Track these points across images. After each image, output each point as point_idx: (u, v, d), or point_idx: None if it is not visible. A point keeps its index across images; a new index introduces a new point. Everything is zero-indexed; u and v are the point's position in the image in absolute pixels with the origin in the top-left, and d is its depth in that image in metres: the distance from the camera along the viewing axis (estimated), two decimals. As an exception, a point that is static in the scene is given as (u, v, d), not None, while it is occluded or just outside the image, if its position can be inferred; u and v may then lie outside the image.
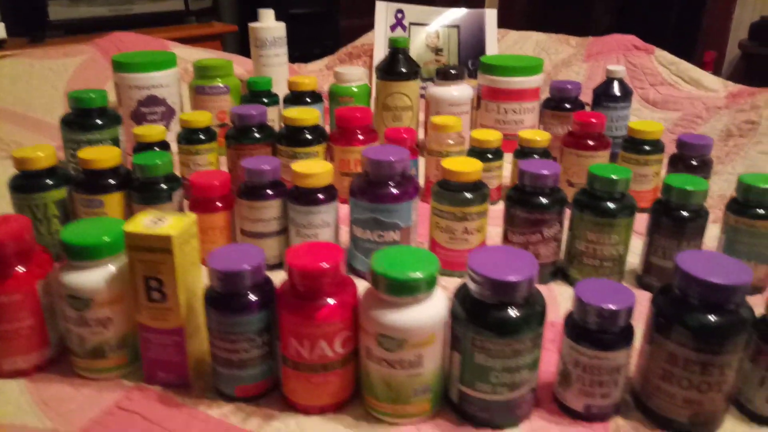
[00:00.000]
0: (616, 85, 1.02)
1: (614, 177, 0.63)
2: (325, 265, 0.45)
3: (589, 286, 0.48)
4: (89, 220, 0.53)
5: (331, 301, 0.46)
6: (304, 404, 0.49)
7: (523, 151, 0.86)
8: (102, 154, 0.68)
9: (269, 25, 1.16)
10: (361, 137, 0.86)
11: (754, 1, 2.39)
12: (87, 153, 0.69)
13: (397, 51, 1.03)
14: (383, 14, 1.47)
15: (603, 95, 1.01)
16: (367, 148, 0.67)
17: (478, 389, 0.47)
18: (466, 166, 0.67)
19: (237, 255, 0.48)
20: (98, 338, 0.51)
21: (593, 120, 0.84)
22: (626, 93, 1.01)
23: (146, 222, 0.49)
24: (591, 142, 0.85)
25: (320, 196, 0.67)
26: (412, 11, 1.48)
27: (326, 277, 0.46)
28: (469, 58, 1.43)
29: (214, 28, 1.85)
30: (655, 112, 1.15)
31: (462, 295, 0.47)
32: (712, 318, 0.44)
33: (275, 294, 0.48)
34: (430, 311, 0.46)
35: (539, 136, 0.84)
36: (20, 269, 0.51)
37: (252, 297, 0.48)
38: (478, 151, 0.86)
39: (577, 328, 0.47)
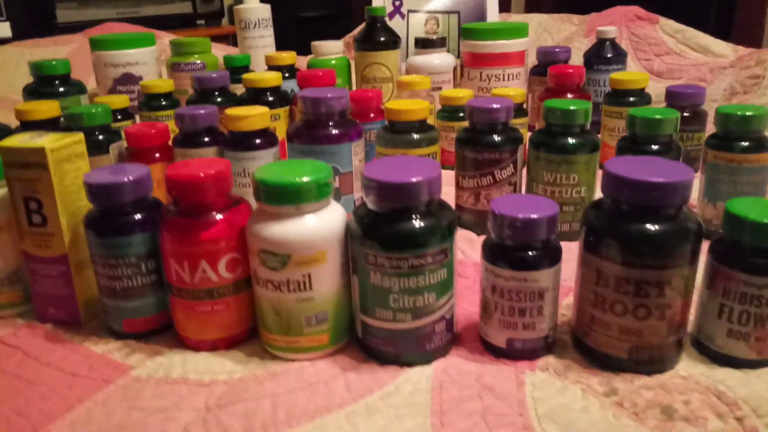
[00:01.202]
0: (607, 46, 0.95)
1: (572, 108, 0.57)
2: (202, 174, 0.41)
3: (507, 200, 0.42)
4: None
5: (213, 217, 0.42)
6: (194, 339, 0.44)
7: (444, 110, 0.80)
8: (40, 106, 0.66)
9: (253, 5, 1.14)
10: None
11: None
12: (25, 106, 0.66)
13: (375, 20, 1.00)
14: (381, 2, 1.44)
15: (594, 57, 0.95)
16: (304, 89, 0.63)
17: (378, 316, 0.41)
18: (412, 105, 0.62)
19: (119, 171, 0.44)
20: (-15, 271, 0.48)
21: (570, 71, 0.77)
22: (619, 54, 0.94)
23: (24, 138, 0.45)
24: (570, 96, 0.78)
25: (257, 140, 0.63)
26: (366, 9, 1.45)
27: (206, 188, 0.41)
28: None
29: (223, 30, 1.86)
30: (659, 82, 1.07)
31: (359, 212, 0.41)
32: (643, 225, 0.37)
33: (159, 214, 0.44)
34: (319, 223, 0.40)
35: (461, 93, 0.78)
36: None
37: (133, 215, 0.43)
38: (448, 110, 0.81)
39: (493, 248, 0.41)
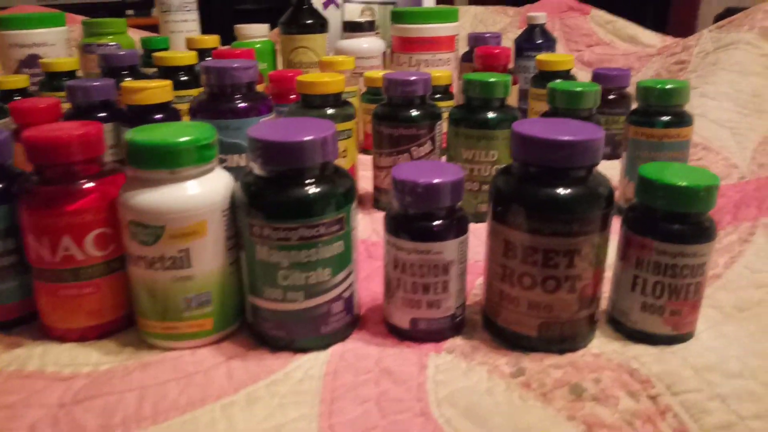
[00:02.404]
0: (537, 32, 0.93)
1: (491, 80, 0.54)
2: (65, 135, 0.36)
3: (410, 167, 0.38)
4: None
5: (80, 185, 0.36)
6: (60, 328, 0.39)
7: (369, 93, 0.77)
8: None
9: (175, -14, 1.08)
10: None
11: (720, -9, 2.34)
12: None
13: (302, 2, 0.95)
14: (315, -10, 1.40)
15: (525, 43, 0.93)
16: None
17: (267, 296, 0.36)
18: (325, 77, 0.58)
19: (-31, 137, 0.38)
20: None
21: (496, 51, 0.75)
22: (548, 40, 0.93)
23: None
24: (496, 78, 0.75)
25: (156, 116, 0.58)
26: (345, -13, 1.41)
27: (70, 152, 0.36)
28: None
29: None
30: (590, 72, 1.06)
31: (246, 179, 0.37)
32: (552, 189, 0.34)
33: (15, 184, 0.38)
34: (198, 191, 0.36)
35: (441, 73, 0.75)
36: None
37: (-15, 187, 0.38)
38: (372, 93, 0.77)
39: (396, 218, 0.38)
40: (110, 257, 0.38)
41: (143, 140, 0.35)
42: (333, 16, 1.18)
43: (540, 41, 0.92)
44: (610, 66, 1.04)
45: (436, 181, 0.36)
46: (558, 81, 0.57)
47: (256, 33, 0.97)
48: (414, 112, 0.56)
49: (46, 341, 0.39)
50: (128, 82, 0.57)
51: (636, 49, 1.02)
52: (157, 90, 0.57)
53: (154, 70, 0.81)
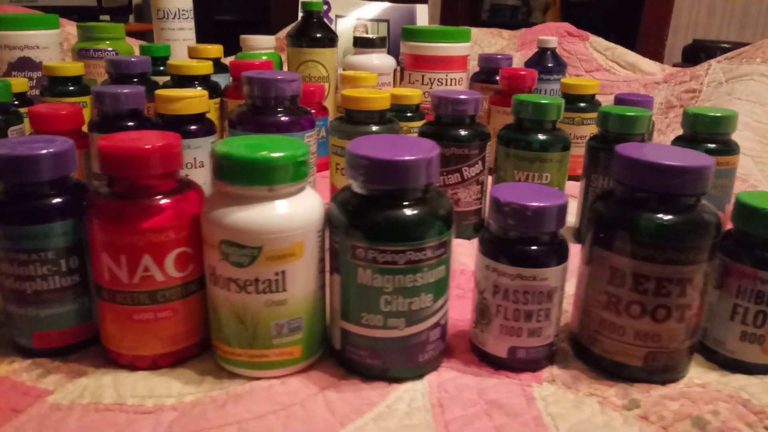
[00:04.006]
0: (548, 55, 0.94)
1: (544, 102, 0.53)
2: (148, 146, 0.33)
3: (508, 188, 0.37)
4: None
5: (159, 201, 0.34)
6: (128, 355, 0.35)
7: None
8: None
9: (173, -6, 1.05)
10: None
11: (686, 25, 2.44)
12: None
13: (311, 15, 0.93)
14: (307, 4, 1.38)
15: (535, 66, 0.93)
16: (246, 72, 0.55)
17: (365, 323, 0.34)
18: (371, 93, 0.56)
19: (33, 142, 0.35)
20: None
21: (522, 73, 0.75)
22: (559, 64, 0.94)
23: None
24: (521, 99, 0.75)
25: (192, 127, 0.55)
26: (338, 3, 1.40)
27: (151, 165, 0.33)
28: (400, 53, 1.35)
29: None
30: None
31: (342, 197, 0.35)
32: (665, 216, 0.34)
33: (87, 197, 0.35)
34: (297, 209, 0.33)
35: (410, 92, 0.74)
36: None
37: (51, 198, 0.34)
38: (395, 110, 0.76)
39: (494, 240, 0.36)
40: (188, 279, 0.35)
41: (240, 155, 0.32)
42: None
43: (551, 65, 0.93)
44: (612, 91, 1.06)
45: (544, 204, 0.34)
46: (609, 105, 0.57)
47: (262, 44, 0.95)
48: (464, 132, 0.55)
49: (112, 369, 0.35)
50: (164, 91, 0.54)
51: (637, 77, 1.04)
52: (194, 100, 0.54)
53: (159, 79, 0.77)
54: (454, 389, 0.35)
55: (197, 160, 0.55)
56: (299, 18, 0.95)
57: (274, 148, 0.33)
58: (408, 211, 0.33)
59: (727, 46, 2.19)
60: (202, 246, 0.35)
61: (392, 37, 1.37)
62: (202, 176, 0.56)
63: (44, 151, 0.34)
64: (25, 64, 0.88)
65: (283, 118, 0.53)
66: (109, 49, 0.91)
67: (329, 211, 0.35)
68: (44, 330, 0.36)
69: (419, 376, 0.36)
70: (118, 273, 0.33)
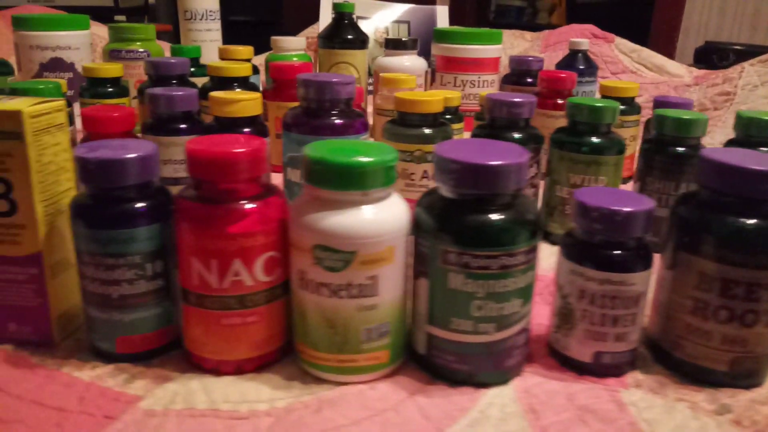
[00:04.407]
0: (579, 58, 0.94)
1: (600, 105, 0.53)
2: (238, 150, 0.33)
3: (592, 192, 0.37)
4: None
5: (249, 205, 0.33)
6: (214, 359, 0.35)
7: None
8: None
9: (201, -6, 1.04)
10: (301, 93, 0.74)
11: (697, 27, 2.44)
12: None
13: (343, 16, 0.93)
14: (328, 5, 1.38)
15: (567, 68, 0.93)
16: (301, 74, 0.55)
17: (454, 328, 0.34)
18: (426, 96, 0.56)
19: (118, 146, 0.35)
20: None
21: (562, 75, 0.75)
22: (591, 67, 0.94)
23: (-11, 100, 0.35)
24: (561, 101, 0.75)
25: (246, 130, 0.54)
26: (359, 5, 1.40)
27: (241, 168, 0.33)
28: (421, 54, 1.35)
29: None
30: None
31: (428, 201, 0.35)
32: (755, 221, 0.33)
33: (173, 201, 0.35)
34: (388, 213, 0.33)
35: (453, 94, 0.74)
36: None
37: (137, 202, 0.34)
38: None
39: (579, 245, 0.36)
40: (274, 284, 0.35)
41: (336, 159, 0.32)
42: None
43: (582, 67, 0.93)
44: (641, 93, 1.06)
45: (634, 209, 0.34)
46: (664, 109, 0.57)
47: (293, 46, 0.95)
48: (518, 135, 0.55)
49: (196, 374, 0.35)
50: (219, 94, 0.54)
51: (664, 79, 1.04)
52: (249, 103, 0.54)
53: (205, 80, 0.77)
54: (543, 395, 0.34)
55: (251, 163, 0.55)
56: (330, 19, 0.94)
57: (365, 153, 0.33)
58: (501, 216, 0.33)
59: (739, 47, 2.20)
60: (287, 251, 0.35)
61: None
62: (255, 179, 0.55)
63: (133, 155, 0.33)
64: (56, 65, 0.88)
65: (338, 121, 0.53)
66: (140, 49, 0.91)
67: (416, 215, 0.35)
68: (127, 335, 0.35)
69: (504, 381, 0.35)
70: (207, 277, 0.33)
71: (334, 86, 0.52)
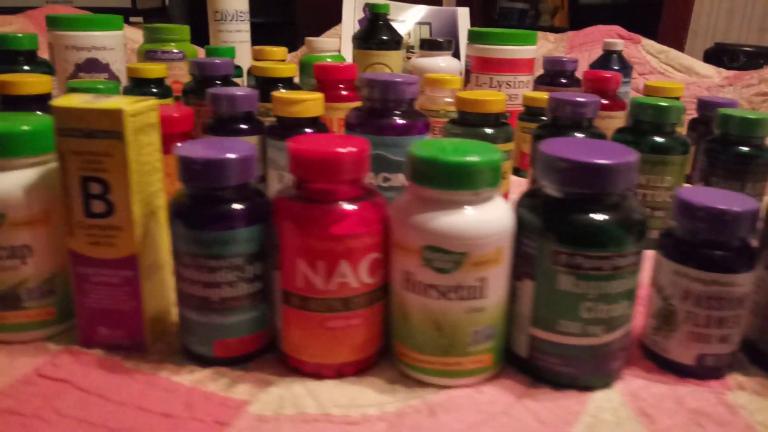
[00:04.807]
0: (614, 58, 0.94)
1: (665, 104, 0.53)
2: (343, 150, 0.32)
3: (694, 192, 0.36)
4: (5, 115, 0.38)
5: (355, 205, 0.33)
6: (314, 363, 0.34)
7: (530, 112, 0.75)
8: (28, 78, 0.53)
9: (231, -4, 1.04)
10: (344, 93, 0.74)
11: (705, 29, 2.45)
12: (6, 76, 0.53)
13: (377, 17, 0.93)
14: (351, 7, 1.38)
15: (602, 69, 0.93)
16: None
17: (561, 330, 0.33)
18: (487, 96, 0.56)
19: (216, 146, 0.34)
20: (11, 278, 0.35)
21: (607, 75, 0.75)
22: (625, 67, 0.94)
23: (84, 98, 0.34)
24: (605, 102, 0.75)
25: (309, 130, 0.54)
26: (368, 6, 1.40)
27: (346, 169, 0.32)
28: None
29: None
30: (646, 99, 1.08)
31: (531, 200, 0.34)
32: None
33: (273, 202, 0.34)
34: (497, 214, 0.33)
35: (540, 95, 0.74)
36: None
37: (237, 203, 0.33)
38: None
39: (682, 245, 0.35)
40: (376, 285, 0.34)
41: (448, 159, 0.31)
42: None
43: (617, 68, 0.93)
44: (704, 96, 1.06)
45: (741, 209, 0.34)
46: (728, 108, 0.56)
47: (327, 47, 0.94)
48: (582, 135, 0.54)
49: (297, 378, 0.34)
50: (282, 93, 0.54)
51: (693, 80, 1.04)
52: (312, 102, 0.53)
53: (239, 80, 0.77)
54: (650, 398, 0.34)
55: (314, 164, 0.54)
56: (352, 20, 0.94)
57: (473, 152, 0.32)
58: (614, 216, 0.32)
59: (749, 49, 2.20)
60: (388, 252, 0.34)
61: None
62: (317, 180, 0.55)
63: (237, 155, 0.33)
64: (92, 66, 0.87)
65: (402, 121, 0.53)
66: (175, 50, 0.91)
67: (519, 215, 0.34)
68: (225, 338, 0.35)
69: (608, 384, 0.35)
70: (313, 279, 0.33)
71: (399, 86, 0.52)
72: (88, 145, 0.33)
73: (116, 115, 0.32)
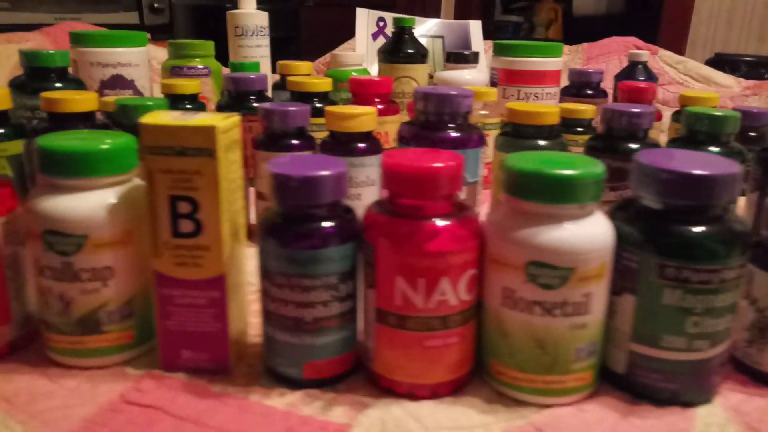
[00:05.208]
0: (640, 69, 0.94)
1: (721, 114, 0.53)
2: (441, 164, 0.31)
3: (787, 202, 0.36)
4: (76, 132, 0.37)
5: (452, 221, 0.32)
6: (408, 383, 0.33)
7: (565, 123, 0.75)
8: (74, 95, 0.52)
9: (251, 11, 1.04)
10: (380, 107, 0.73)
11: (704, 40, 2.47)
12: (54, 94, 0.52)
13: (403, 31, 0.93)
14: (364, 22, 1.37)
15: (627, 80, 0.93)
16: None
17: (664, 345, 0.33)
18: (540, 108, 0.55)
19: (307, 163, 0.33)
20: (92, 301, 0.34)
21: (643, 86, 0.74)
22: (651, 78, 0.94)
23: (171, 115, 0.33)
24: (642, 113, 0.75)
25: (360, 145, 0.53)
26: (391, 20, 1.40)
27: (444, 184, 0.32)
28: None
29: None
30: (668, 111, 1.08)
31: (627, 213, 0.34)
32: None
33: (365, 218, 0.33)
34: (601, 228, 0.32)
35: (585, 107, 0.74)
36: (-30, 202, 0.34)
37: (329, 221, 0.33)
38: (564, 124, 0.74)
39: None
40: (472, 303, 0.33)
41: (555, 172, 0.31)
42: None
43: (643, 78, 0.93)
44: (738, 106, 1.06)
45: (842, 218, 0.33)
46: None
47: (352, 61, 0.94)
48: (637, 146, 0.54)
49: (391, 399, 0.33)
50: (337, 108, 0.53)
51: (713, 89, 1.05)
52: (366, 117, 0.53)
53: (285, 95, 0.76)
54: (754, 412, 0.33)
55: (369, 178, 0.53)
56: (365, 35, 0.94)
57: (574, 165, 0.32)
58: (720, 228, 0.32)
59: (750, 59, 2.22)
60: (484, 268, 0.33)
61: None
62: (371, 194, 0.54)
63: (331, 172, 0.32)
64: (116, 82, 0.86)
65: (458, 135, 0.52)
66: (200, 66, 0.90)
67: (618, 228, 0.33)
68: (316, 359, 0.34)
69: (708, 399, 0.34)
70: (413, 297, 0.32)
71: (455, 99, 0.52)
72: (178, 163, 0.32)
73: (209, 132, 0.31)
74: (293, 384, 0.34)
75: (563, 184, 0.31)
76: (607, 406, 0.33)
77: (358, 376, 0.35)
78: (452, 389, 0.34)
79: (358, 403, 0.33)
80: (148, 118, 0.32)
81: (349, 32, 1.37)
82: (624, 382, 0.35)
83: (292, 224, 0.32)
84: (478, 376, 0.35)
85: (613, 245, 0.32)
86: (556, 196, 0.31)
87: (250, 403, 0.33)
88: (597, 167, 0.32)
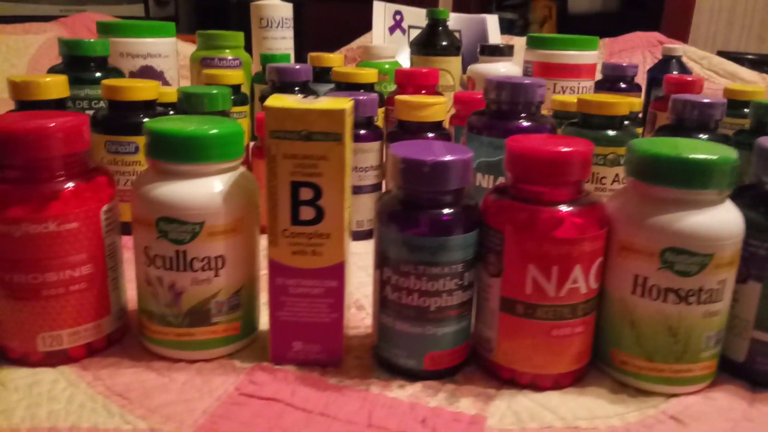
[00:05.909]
0: (674, 63, 0.94)
1: (794, 106, 0.52)
2: (568, 149, 0.31)
3: None
4: (181, 117, 0.35)
5: (586, 206, 0.31)
6: (531, 373, 0.33)
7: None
8: (137, 83, 0.51)
9: (276, 2, 1.02)
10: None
11: (705, 39, 2.49)
12: (116, 81, 0.51)
13: (437, 23, 0.92)
14: (381, 15, 1.36)
15: (660, 74, 0.93)
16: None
17: (792, 333, 0.32)
18: (612, 99, 0.55)
19: (433, 148, 0.32)
20: (205, 291, 0.33)
21: (690, 79, 0.74)
22: (685, 71, 0.94)
23: (294, 98, 0.32)
24: (688, 106, 0.75)
25: (431, 134, 0.52)
26: (410, 13, 1.39)
27: (574, 170, 0.31)
28: (469, 61, 1.34)
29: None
30: (691, 104, 1.08)
31: (747, 198, 0.33)
32: None
33: (490, 206, 0.33)
34: (735, 214, 0.31)
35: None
36: (70, 185, 0.32)
37: (457, 207, 0.32)
38: (560, 116, 0.74)
39: None
40: (598, 291, 0.33)
41: (697, 158, 0.30)
42: (400, 41, 1.17)
43: (676, 72, 0.93)
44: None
45: None
46: None
47: (385, 53, 0.93)
48: (708, 137, 0.54)
49: (517, 390, 0.32)
50: (408, 98, 0.52)
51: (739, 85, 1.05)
52: (438, 107, 0.52)
53: (330, 86, 0.75)
54: None
55: (439, 169, 0.53)
56: (383, 29, 0.93)
57: (706, 151, 0.31)
58: None
59: (752, 57, 2.25)
60: (609, 256, 0.33)
61: (465, 47, 1.36)
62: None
63: (460, 158, 0.31)
64: (146, 73, 0.84)
65: (530, 124, 0.51)
66: (230, 57, 0.88)
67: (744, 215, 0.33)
68: (436, 350, 0.33)
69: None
70: (545, 286, 0.31)
71: (529, 88, 0.51)
72: (303, 147, 0.31)
73: (338, 115, 0.30)
74: (412, 375, 0.33)
75: (704, 169, 0.30)
76: (733, 394, 0.33)
77: (473, 367, 0.34)
78: (573, 380, 0.33)
79: (482, 395, 0.32)
80: (273, 101, 0.31)
81: (353, 27, 1.36)
82: (744, 370, 0.34)
83: (418, 211, 0.31)
84: (594, 367, 0.35)
85: (743, 231, 0.32)
86: (698, 181, 0.30)
87: (373, 395, 0.32)
88: (732, 153, 0.31)
